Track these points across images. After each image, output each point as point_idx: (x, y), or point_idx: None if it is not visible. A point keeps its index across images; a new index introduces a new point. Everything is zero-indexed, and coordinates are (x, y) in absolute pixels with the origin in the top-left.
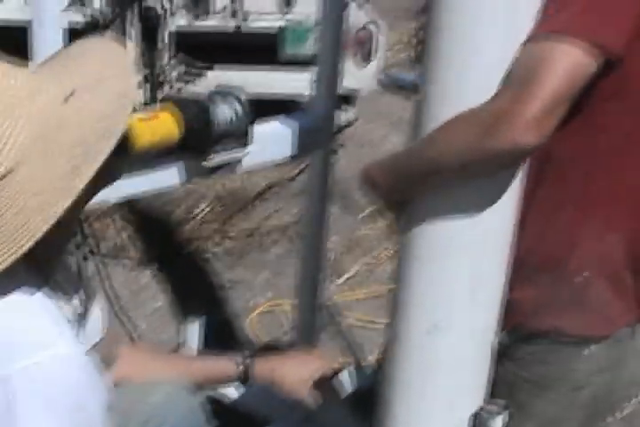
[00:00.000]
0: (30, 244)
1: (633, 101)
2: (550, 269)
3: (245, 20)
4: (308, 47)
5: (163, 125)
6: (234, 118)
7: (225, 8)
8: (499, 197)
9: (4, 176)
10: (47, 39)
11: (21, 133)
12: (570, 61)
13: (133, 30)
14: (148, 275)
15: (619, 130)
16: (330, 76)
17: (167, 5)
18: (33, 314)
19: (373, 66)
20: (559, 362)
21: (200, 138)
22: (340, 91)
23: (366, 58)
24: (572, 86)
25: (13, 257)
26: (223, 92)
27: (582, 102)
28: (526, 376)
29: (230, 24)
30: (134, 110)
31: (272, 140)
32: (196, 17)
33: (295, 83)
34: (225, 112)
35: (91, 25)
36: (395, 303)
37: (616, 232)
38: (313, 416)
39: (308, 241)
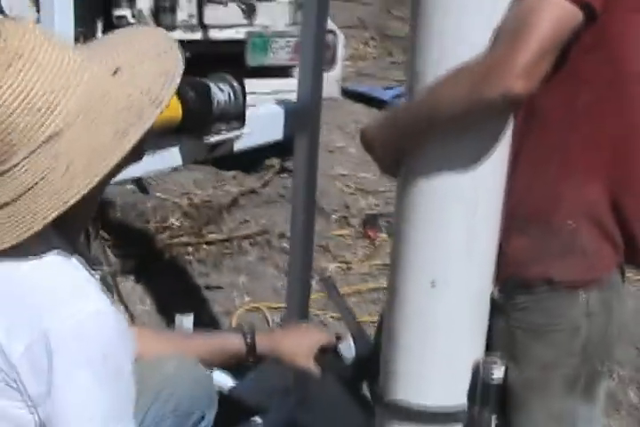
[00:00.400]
0: (74, 200)
1: (611, 52)
2: (539, 220)
3: (207, 31)
4: (271, 56)
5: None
6: (232, 98)
7: (188, 20)
8: (490, 151)
9: (52, 137)
10: None
11: (70, 100)
12: (557, 12)
13: None
14: (130, 283)
15: (599, 79)
16: (314, 65)
17: (136, 16)
18: (69, 273)
19: (335, 74)
20: (554, 309)
21: (201, 115)
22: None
23: (329, 63)
24: (560, 36)
25: (57, 212)
26: (220, 75)
27: (565, 55)
28: (523, 324)
29: (194, 36)
30: None
31: (264, 122)
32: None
33: (262, 90)
34: (224, 92)
35: None
36: (394, 261)
37: (599, 181)
38: (307, 401)
39: (297, 225)
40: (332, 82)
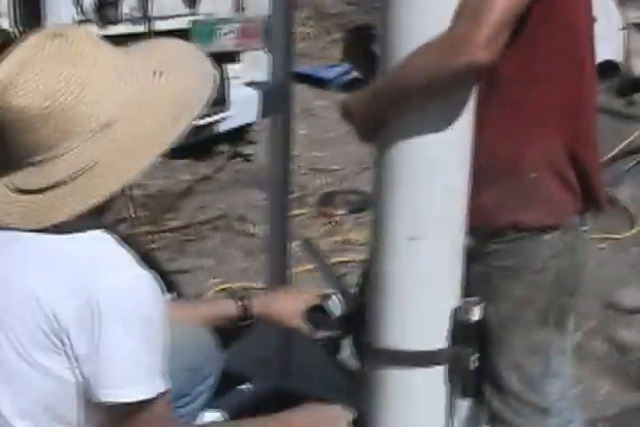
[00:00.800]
0: (130, 177)
1: (562, 21)
2: (505, 174)
3: (152, 22)
4: (217, 43)
5: None
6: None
7: (132, 13)
8: (458, 116)
9: (106, 125)
10: None
11: (123, 94)
12: None
13: None
14: None
15: (553, 45)
16: (283, 50)
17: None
18: (113, 244)
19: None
20: (523, 251)
21: None
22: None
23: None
24: (515, 10)
25: (109, 191)
26: None
27: (521, 27)
28: (498, 266)
29: (139, 29)
30: None
31: (244, 105)
32: (106, 24)
33: None
34: None
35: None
36: (375, 219)
37: (556, 136)
38: (289, 369)
39: (274, 203)
40: None
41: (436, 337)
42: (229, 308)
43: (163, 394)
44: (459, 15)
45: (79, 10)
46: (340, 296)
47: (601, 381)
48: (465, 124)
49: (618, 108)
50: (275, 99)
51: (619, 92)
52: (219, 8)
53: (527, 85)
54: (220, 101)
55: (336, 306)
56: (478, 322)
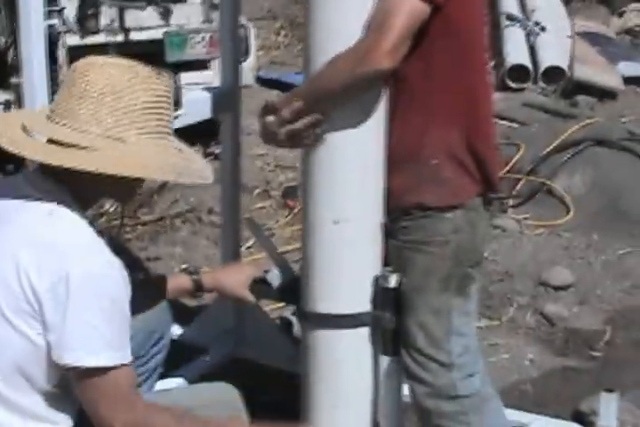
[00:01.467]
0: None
1: (455, 32)
2: (411, 160)
3: (129, 34)
4: (188, 52)
5: None
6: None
7: (111, 24)
8: (372, 113)
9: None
10: None
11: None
12: (411, 6)
13: None
14: None
15: (450, 50)
16: (232, 55)
17: (62, 26)
18: (85, 228)
19: (249, 62)
20: (427, 227)
21: None
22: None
23: (243, 54)
24: (414, 25)
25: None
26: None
27: (422, 36)
28: (406, 240)
29: (117, 38)
30: None
31: (195, 105)
32: (86, 34)
33: (183, 81)
34: None
35: None
36: (304, 205)
37: (454, 129)
38: (246, 339)
39: (227, 197)
40: (246, 71)
41: (360, 302)
42: (184, 282)
43: (121, 366)
44: (367, 28)
45: (61, 21)
46: (279, 269)
47: (529, 348)
48: (378, 119)
49: (561, 109)
50: (224, 100)
51: (563, 95)
52: (190, 20)
53: (428, 87)
54: (174, 103)
55: (276, 278)
56: (394, 289)
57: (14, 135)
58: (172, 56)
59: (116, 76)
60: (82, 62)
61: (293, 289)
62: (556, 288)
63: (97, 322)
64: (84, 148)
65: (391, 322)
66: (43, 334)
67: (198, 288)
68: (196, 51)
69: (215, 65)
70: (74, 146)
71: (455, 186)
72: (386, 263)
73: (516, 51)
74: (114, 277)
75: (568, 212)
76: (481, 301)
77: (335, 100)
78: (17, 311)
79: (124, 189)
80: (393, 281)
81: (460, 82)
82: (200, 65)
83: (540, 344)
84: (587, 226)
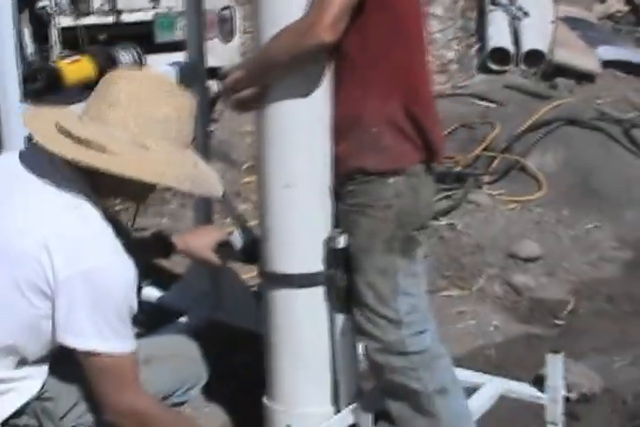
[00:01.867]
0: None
1: (389, 8)
2: (353, 128)
3: (120, 15)
4: (176, 33)
5: (85, 67)
6: (134, 59)
7: (102, 6)
8: (317, 84)
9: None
10: None
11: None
12: None
13: (27, 29)
14: None
15: (385, 21)
16: (196, 35)
17: (55, 7)
18: (103, 225)
19: (236, 42)
20: (370, 191)
21: None
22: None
23: (229, 35)
24: (352, 2)
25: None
26: (125, 45)
27: (357, 14)
28: (352, 203)
29: (108, 20)
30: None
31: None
32: (78, 16)
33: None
34: (126, 57)
35: None
36: (259, 171)
37: (393, 98)
38: (222, 302)
39: None
40: (232, 52)
41: (314, 262)
42: (156, 244)
43: (127, 355)
44: (311, 4)
45: (54, 3)
46: (241, 232)
47: (494, 315)
48: (324, 90)
49: (540, 91)
50: (191, 75)
51: (543, 77)
52: (178, 2)
53: (365, 59)
54: None
55: (238, 240)
56: (343, 249)
57: (49, 132)
58: (161, 37)
59: (143, 88)
60: (115, 72)
61: (254, 251)
62: (525, 260)
63: (108, 313)
64: (109, 150)
65: (342, 281)
66: (50, 313)
67: (168, 250)
68: (182, 32)
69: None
70: (100, 148)
71: (395, 152)
72: (337, 226)
73: (498, 34)
74: (127, 275)
75: (540, 188)
76: (453, 271)
77: (279, 71)
78: (31, 286)
79: (138, 192)
80: (341, 242)
81: (394, 53)
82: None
83: (506, 312)
84: (557, 202)
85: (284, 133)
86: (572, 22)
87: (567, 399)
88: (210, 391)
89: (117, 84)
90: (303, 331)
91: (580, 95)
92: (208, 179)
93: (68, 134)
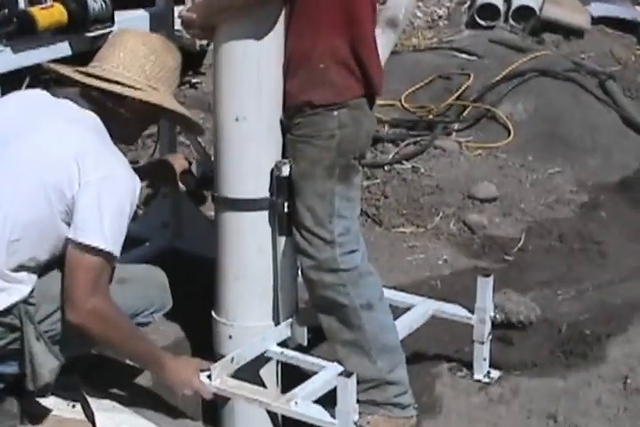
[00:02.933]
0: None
1: None
2: (302, 65)
3: None
4: None
5: (57, 11)
6: (103, 6)
7: None
8: (268, 26)
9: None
10: None
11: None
12: None
13: None
14: None
15: None
16: None
17: None
18: (115, 150)
19: None
20: (317, 122)
21: (81, 18)
22: None
23: None
24: None
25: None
26: None
27: None
28: (299, 134)
29: None
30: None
31: (130, 22)
32: None
33: None
34: (96, 1)
35: None
36: (213, 101)
37: (339, 37)
38: (182, 233)
39: None
40: None
41: (260, 189)
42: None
43: (112, 260)
44: None
45: None
46: (201, 161)
47: (445, 250)
48: (272, 29)
49: (523, 45)
50: (158, 20)
51: (532, 33)
52: None
53: (316, 4)
54: (108, 19)
55: (197, 169)
56: (286, 177)
57: (83, 73)
58: None
59: (157, 42)
60: (123, 31)
61: (211, 178)
62: (482, 201)
63: (113, 215)
64: (139, 88)
65: (284, 206)
66: (62, 214)
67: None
68: None
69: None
70: (131, 86)
71: (340, 87)
72: (282, 156)
73: None
74: (134, 185)
75: (509, 136)
76: (410, 210)
77: (235, 11)
78: (56, 190)
79: (142, 124)
80: (285, 170)
81: (343, 1)
82: (178, 1)
83: (457, 248)
84: (524, 148)
85: (235, 70)
86: None
87: (503, 325)
88: (167, 312)
89: (135, 38)
90: (248, 251)
91: (567, 50)
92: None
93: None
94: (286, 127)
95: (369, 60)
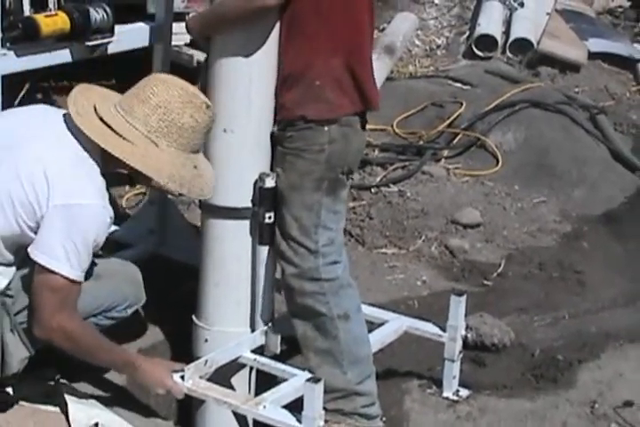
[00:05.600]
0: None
1: None
2: (300, 81)
3: None
4: None
5: (60, 20)
6: (105, 17)
7: None
8: (259, 42)
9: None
10: None
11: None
12: None
13: None
14: None
15: None
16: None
17: None
18: (102, 181)
19: None
20: (308, 137)
21: (83, 27)
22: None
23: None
24: None
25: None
26: (97, 4)
27: None
28: (291, 147)
29: None
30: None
31: (130, 34)
32: None
33: None
34: (98, 12)
35: None
36: None
37: (336, 56)
38: (167, 239)
39: None
40: None
41: (243, 199)
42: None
43: (77, 283)
44: None
45: None
46: None
47: (425, 272)
48: (269, 46)
49: (518, 77)
50: (156, 33)
51: (528, 66)
52: None
53: (317, 23)
54: (108, 30)
55: None
56: (269, 189)
57: (83, 110)
58: (152, 8)
59: (175, 96)
60: (156, 76)
61: None
62: (465, 226)
63: (78, 243)
64: (125, 138)
65: (264, 217)
66: (31, 229)
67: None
68: (175, 4)
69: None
70: (119, 135)
71: (333, 104)
72: (271, 168)
73: (487, 22)
74: (104, 218)
75: (497, 165)
76: (394, 232)
77: (228, 25)
78: (23, 205)
79: (136, 176)
80: (268, 182)
81: (344, 20)
82: (177, 17)
83: (437, 270)
84: (511, 177)
85: (226, 84)
86: (569, 15)
87: (477, 347)
88: (150, 317)
89: (156, 87)
90: (228, 259)
91: (561, 83)
92: (201, 180)
93: (99, 117)
94: (277, 140)
95: (364, 78)
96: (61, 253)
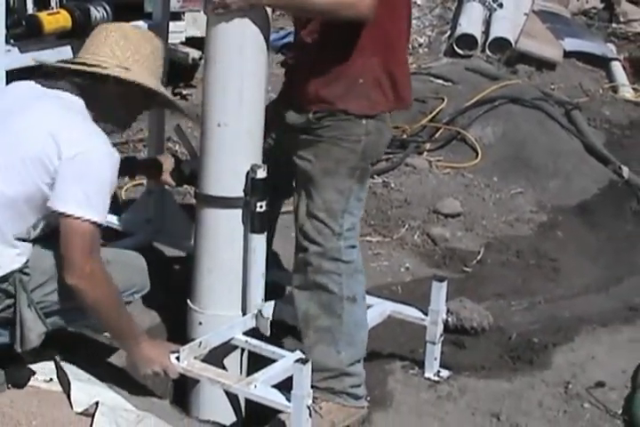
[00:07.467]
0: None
1: None
2: (342, 78)
3: None
4: None
5: (62, 18)
6: (104, 15)
7: None
8: (258, 37)
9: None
10: None
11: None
12: None
13: None
14: None
15: (383, 5)
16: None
17: None
18: (96, 128)
19: None
20: (347, 128)
21: (84, 26)
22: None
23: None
24: None
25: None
26: (98, 2)
27: None
28: (328, 135)
29: None
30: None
31: None
32: None
33: None
34: (98, 11)
35: None
36: (202, 107)
37: (378, 57)
38: (164, 229)
39: None
40: None
41: (235, 188)
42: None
43: (99, 228)
44: None
45: None
46: (190, 160)
47: (408, 259)
48: (262, 42)
49: (497, 74)
50: (153, 31)
51: (507, 64)
52: None
53: (358, 28)
54: None
55: (187, 167)
56: (261, 179)
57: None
58: (150, 7)
59: (130, 31)
60: (106, 24)
61: (197, 176)
62: (446, 216)
63: (93, 186)
64: (99, 66)
65: (256, 206)
66: (48, 185)
67: (134, 173)
68: (171, 3)
69: (188, 17)
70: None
71: (373, 101)
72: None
73: (468, 22)
74: (113, 160)
75: (477, 158)
76: (378, 221)
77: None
78: (35, 165)
79: (129, 106)
80: (260, 173)
81: (383, 26)
82: (174, 17)
83: (420, 258)
84: (490, 170)
85: (220, 80)
86: (546, 16)
87: (457, 330)
88: (147, 301)
89: (108, 29)
90: (221, 245)
91: (538, 81)
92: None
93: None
94: (308, 129)
95: (400, 79)
96: (83, 199)
